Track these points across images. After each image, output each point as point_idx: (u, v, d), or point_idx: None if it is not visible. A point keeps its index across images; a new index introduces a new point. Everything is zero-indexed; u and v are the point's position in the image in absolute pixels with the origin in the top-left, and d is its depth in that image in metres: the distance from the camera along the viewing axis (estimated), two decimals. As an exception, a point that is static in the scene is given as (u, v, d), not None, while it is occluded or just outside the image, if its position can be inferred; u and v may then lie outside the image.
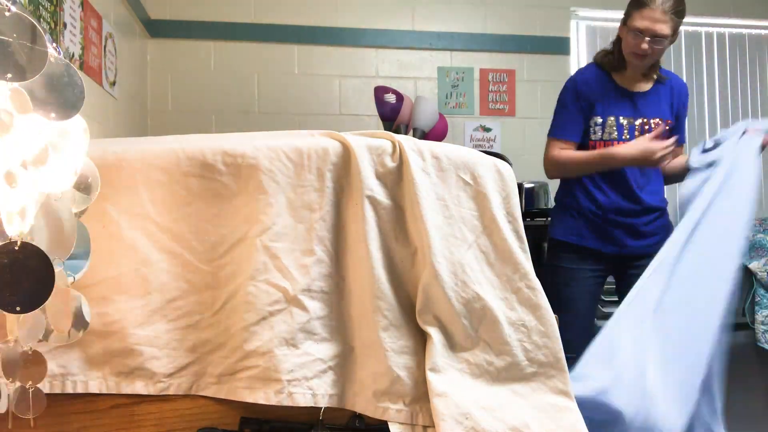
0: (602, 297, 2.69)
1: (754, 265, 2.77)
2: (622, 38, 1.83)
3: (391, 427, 0.88)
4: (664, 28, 1.72)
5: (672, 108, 1.92)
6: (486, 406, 0.88)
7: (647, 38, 1.73)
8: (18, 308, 0.68)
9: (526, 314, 0.94)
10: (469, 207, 0.96)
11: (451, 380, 0.90)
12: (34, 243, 0.69)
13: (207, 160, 0.92)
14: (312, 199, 0.93)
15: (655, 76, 1.89)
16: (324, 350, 0.91)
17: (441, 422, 0.84)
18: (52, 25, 1.72)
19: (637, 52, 1.77)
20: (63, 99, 0.72)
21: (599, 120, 1.86)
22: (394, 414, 0.89)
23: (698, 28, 3.52)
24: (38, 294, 0.69)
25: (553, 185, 3.04)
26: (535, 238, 2.36)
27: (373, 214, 0.93)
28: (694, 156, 1.73)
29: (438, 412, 0.85)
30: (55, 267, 0.72)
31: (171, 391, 0.89)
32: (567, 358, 0.95)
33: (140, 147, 0.95)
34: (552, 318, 0.95)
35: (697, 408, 1.37)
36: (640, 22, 1.73)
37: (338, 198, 0.95)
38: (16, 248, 0.67)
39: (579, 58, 3.38)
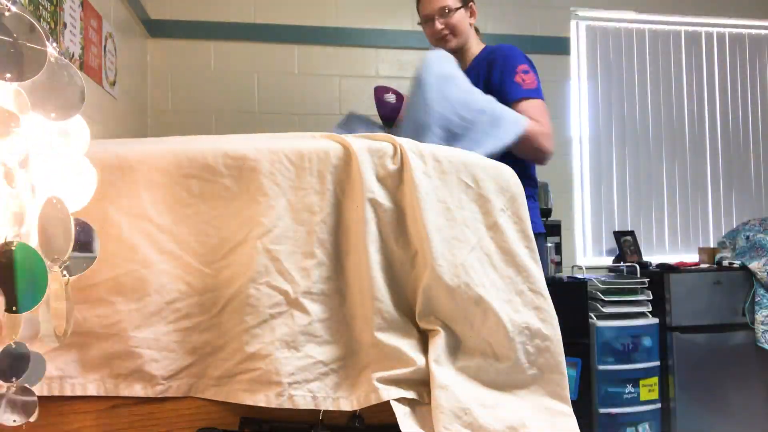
0: (602, 297, 2.70)
1: (754, 265, 2.77)
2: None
3: (395, 406, 0.86)
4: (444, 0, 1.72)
5: (480, 78, 1.72)
6: (485, 404, 0.88)
7: (438, 18, 1.74)
8: (14, 308, 0.68)
9: (529, 317, 0.94)
10: (471, 209, 0.96)
11: (453, 375, 0.90)
12: (29, 243, 0.69)
13: (208, 161, 0.92)
14: (313, 201, 0.93)
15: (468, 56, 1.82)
16: (325, 353, 0.91)
17: (440, 414, 0.84)
18: (52, 25, 1.72)
19: (437, 36, 1.77)
20: (63, 99, 0.72)
21: None
22: (400, 392, 0.88)
23: (698, 28, 3.52)
24: (33, 295, 0.69)
25: (553, 185, 3.05)
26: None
27: (374, 216, 0.93)
28: None
29: (438, 404, 0.85)
30: (52, 268, 0.71)
31: (170, 394, 0.89)
32: None
33: (141, 148, 0.95)
34: (555, 321, 0.95)
35: None
36: (423, 9, 1.77)
37: (339, 200, 0.95)
38: (13, 248, 0.67)
39: (579, 58, 3.38)
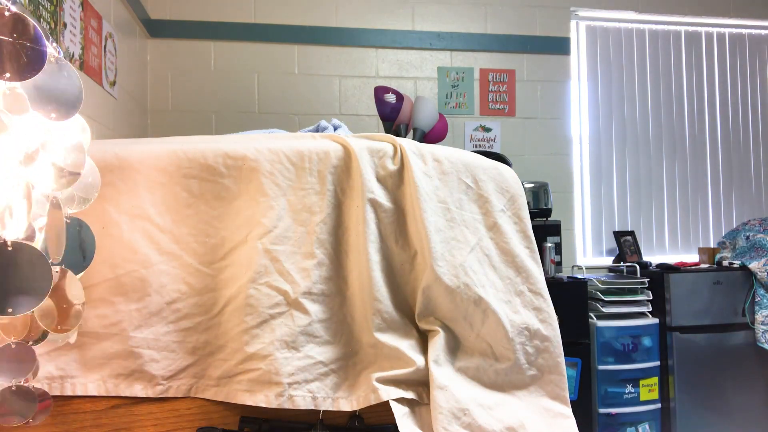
0: (602, 297, 2.70)
1: (754, 265, 2.77)
2: None
3: (394, 406, 0.86)
4: None
5: None
6: (484, 404, 0.88)
7: None
8: (9, 310, 0.67)
9: (529, 317, 0.94)
10: (471, 210, 0.96)
11: (452, 376, 0.90)
12: (29, 243, 0.69)
13: (208, 162, 0.92)
14: (313, 201, 0.93)
15: None
16: (326, 353, 0.91)
17: (439, 415, 0.84)
18: (52, 25, 1.71)
19: None
20: (62, 99, 0.72)
21: None
22: (399, 392, 0.88)
23: (698, 28, 3.52)
24: (33, 296, 0.68)
25: (553, 185, 3.05)
26: (536, 238, 2.36)
27: (374, 216, 0.93)
28: None
29: (437, 404, 0.85)
30: (51, 268, 0.71)
31: (170, 394, 0.89)
32: None
33: (141, 148, 0.95)
34: (555, 321, 0.95)
35: None
36: None
37: (339, 201, 0.95)
38: (9, 249, 0.67)
39: (579, 58, 3.38)
